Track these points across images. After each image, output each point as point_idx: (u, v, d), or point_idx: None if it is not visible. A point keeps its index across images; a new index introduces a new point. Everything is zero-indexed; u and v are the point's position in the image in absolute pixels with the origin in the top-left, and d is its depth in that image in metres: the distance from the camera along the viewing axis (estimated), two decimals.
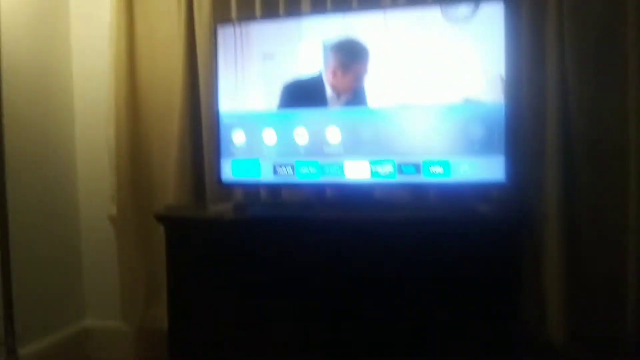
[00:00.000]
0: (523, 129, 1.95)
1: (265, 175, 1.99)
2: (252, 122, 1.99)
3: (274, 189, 2.21)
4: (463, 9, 1.78)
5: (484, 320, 1.65)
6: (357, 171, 1.90)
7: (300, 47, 1.94)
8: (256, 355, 1.82)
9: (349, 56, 1.89)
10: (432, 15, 1.81)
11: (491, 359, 1.64)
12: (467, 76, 1.79)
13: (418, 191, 2.06)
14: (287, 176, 1.96)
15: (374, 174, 1.88)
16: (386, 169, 1.86)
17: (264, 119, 1.98)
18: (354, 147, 1.89)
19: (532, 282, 1.97)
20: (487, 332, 1.65)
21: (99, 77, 2.48)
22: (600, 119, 1.92)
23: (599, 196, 1.93)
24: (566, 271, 1.91)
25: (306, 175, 1.94)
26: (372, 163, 1.88)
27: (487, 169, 1.79)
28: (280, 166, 1.97)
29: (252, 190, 2.24)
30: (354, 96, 1.90)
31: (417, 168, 1.84)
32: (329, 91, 1.91)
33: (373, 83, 1.88)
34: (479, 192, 1.95)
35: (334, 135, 1.91)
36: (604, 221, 1.93)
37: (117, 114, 2.35)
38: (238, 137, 2.02)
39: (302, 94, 1.94)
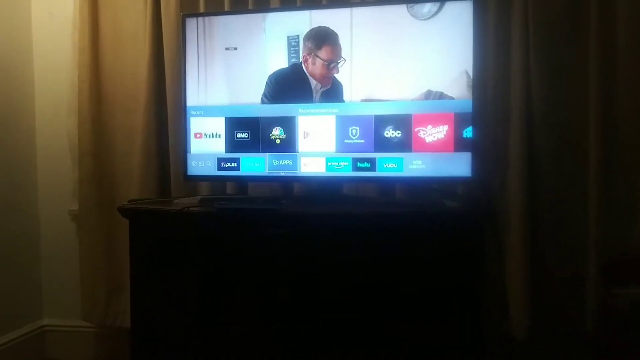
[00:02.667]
0: (488, 125, 1.98)
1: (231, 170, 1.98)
2: (217, 116, 1.97)
3: (241, 184, 2.20)
4: (428, 6, 1.81)
5: (448, 315, 1.67)
6: (332, 166, 1.90)
7: (264, 40, 1.93)
8: (221, 351, 1.80)
9: (317, 41, 1.88)
10: (398, 12, 1.83)
11: (454, 353, 1.66)
12: (434, 72, 1.81)
13: (387, 186, 2.08)
14: (254, 170, 1.95)
15: (343, 168, 1.88)
16: (358, 163, 1.88)
17: (228, 113, 1.96)
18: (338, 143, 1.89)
19: (495, 278, 2.00)
20: (450, 327, 1.67)
21: (61, 69, 2.43)
22: (562, 118, 1.97)
23: (560, 193, 1.97)
24: (528, 268, 1.95)
25: (275, 168, 1.94)
26: (347, 160, 1.89)
27: (453, 164, 1.81)
28: (249, 161, 1.95)
29: (217, 186, 2.23)
30: (332, 88, 1.89)
31: (387, 163, 1.85)
32: (312, 82, 1.90)
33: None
34: (445, 187, 1.98)
35: (310, 129, 1.90)
36: (564, 219, 1.97)
37: (80, 106, 2.29)
38: (203, 132, 2.00)
39: (288, 85, 1.92)
